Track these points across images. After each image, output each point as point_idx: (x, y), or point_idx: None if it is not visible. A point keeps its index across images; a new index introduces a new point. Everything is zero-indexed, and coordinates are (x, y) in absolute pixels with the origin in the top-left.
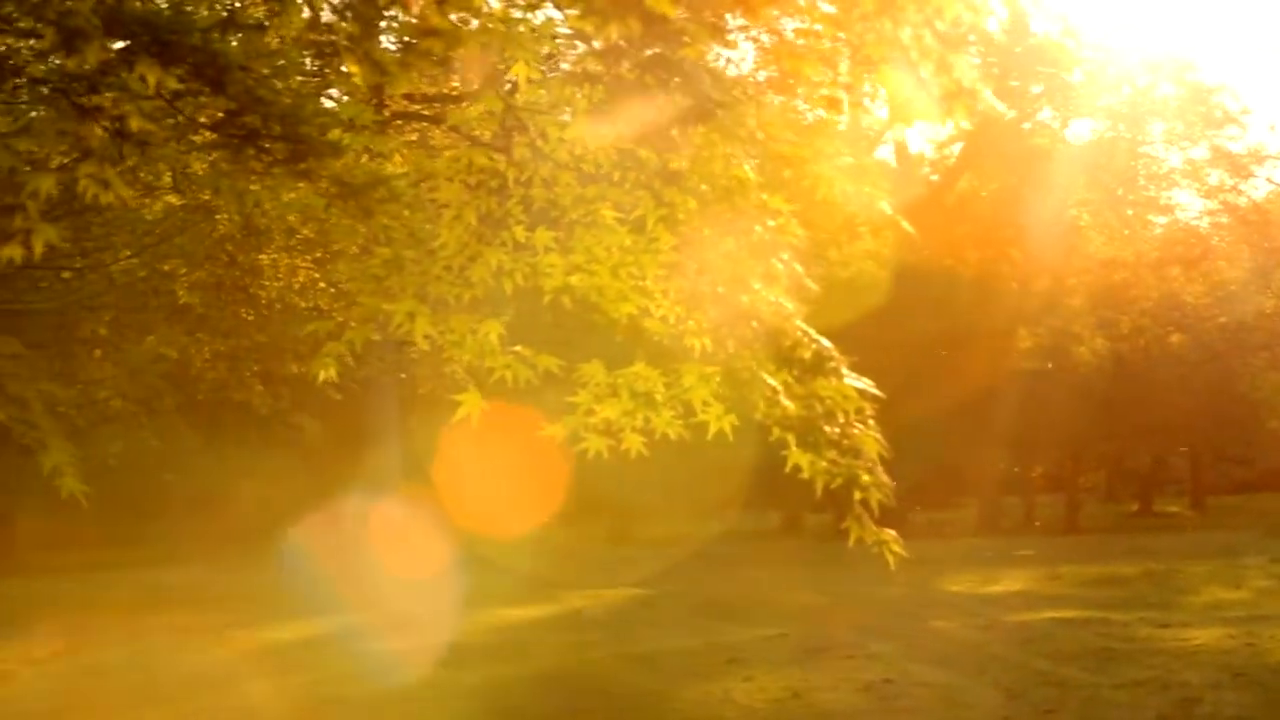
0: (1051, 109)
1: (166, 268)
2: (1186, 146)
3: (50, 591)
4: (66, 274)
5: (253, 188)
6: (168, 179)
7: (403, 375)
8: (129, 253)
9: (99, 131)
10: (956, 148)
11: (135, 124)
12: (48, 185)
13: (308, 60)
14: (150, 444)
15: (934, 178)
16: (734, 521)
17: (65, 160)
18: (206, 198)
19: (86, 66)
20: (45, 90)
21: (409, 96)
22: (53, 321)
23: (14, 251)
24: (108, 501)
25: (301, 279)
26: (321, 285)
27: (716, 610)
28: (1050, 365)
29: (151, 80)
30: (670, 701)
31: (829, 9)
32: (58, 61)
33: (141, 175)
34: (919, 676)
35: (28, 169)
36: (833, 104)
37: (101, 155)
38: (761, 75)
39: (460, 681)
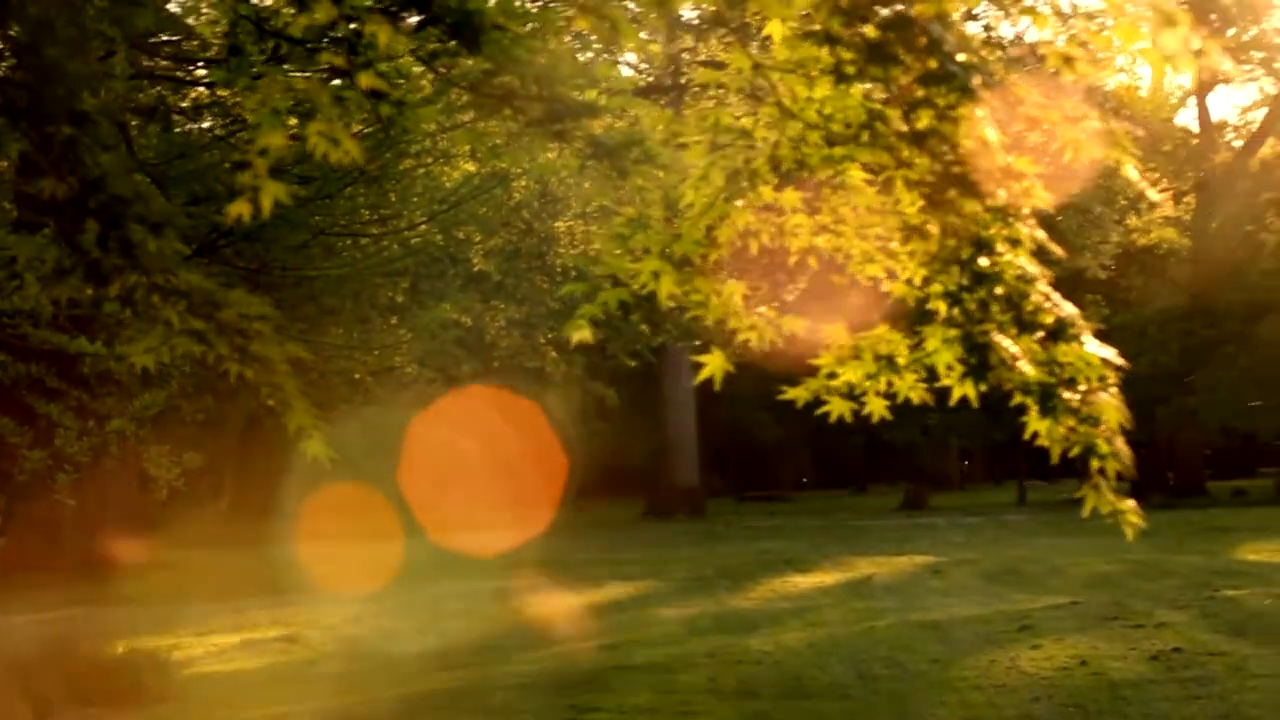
0: None
1: (462, 235)
2: None
3: (347, 557)
4: (364, 240)
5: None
6: (465, 147)
7: (697, 343)
8: (425, 219)
9: (322, 89)
10: (1259, 114)
11: (365, 81)
12: (278, 142)
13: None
14: (449, 411)
15: (1237, 144)
16: (1028, 490)
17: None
18: (504, 165)
19: (318, 21)
20: (302, 50)
21: (706, 63)
22: (350, 288)
23: (243, 208)
24: (405, 468)
25: (597, 245)
26: (617, 251)
27: (1009, 578)
28: None
29: (382, 39)
30: (956, 669)
31: None
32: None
33: (440, 144)
34: (1210, 646)
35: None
36: (1068, 61)
37: (329, 114)
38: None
39: (746, 648)
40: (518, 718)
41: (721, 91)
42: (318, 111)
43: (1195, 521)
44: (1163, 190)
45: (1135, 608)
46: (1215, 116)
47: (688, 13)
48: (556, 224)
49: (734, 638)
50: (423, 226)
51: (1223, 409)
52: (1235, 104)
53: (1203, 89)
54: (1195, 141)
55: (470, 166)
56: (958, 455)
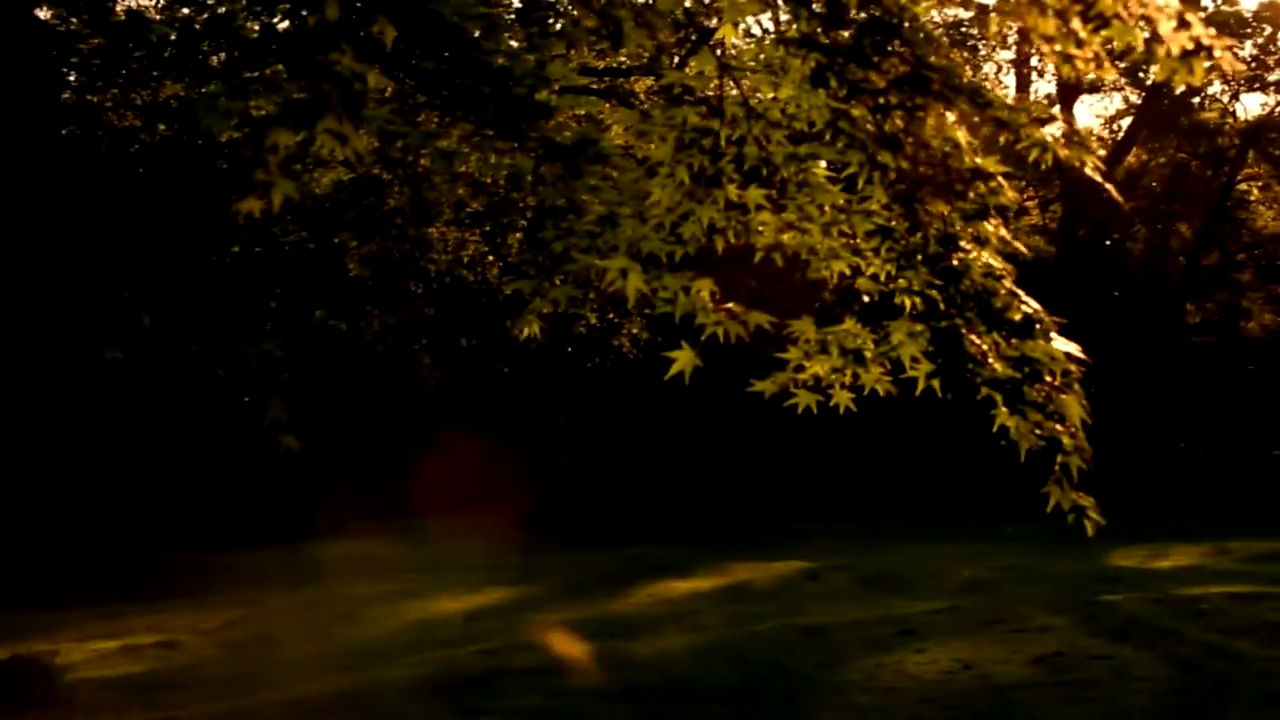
0: (1221, 82)
1: (336, 241)
2: None
3: (221, 563)
4: (235, 248)
5: (464, 150)
6: (339, 152)
7: (569, 349)
8: (298, 226)
9: (329, 89)
10: (1125, 122)
11: (373, 80)
12: (286, 139)
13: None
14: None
15: (1102, 153)
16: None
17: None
18: (376, 171)
19: (330, 20)
20: (261, 53)
21: (580, 70)
22: (223, 294)
23: (254, 205)
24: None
25: (470, 251)
26: (490, 258)
27: (885, 583)
28: (1218, 340)
29: (390, 36)
30: (842, 673)
31: None
32: (275, 22)
33: (314, 149)
34: (1091, 650)
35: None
36: (1067, 60)
37: (339, 111)
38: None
39: (631, 652)
40: None
41: (594, 100)
42: (327, 110)
43: (1064, 528)
44: (1029, 198)
45: (1015, 612)
46: (1080, 125)
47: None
48: (430, 230)
49: (617, 642)
50: (297, 234)
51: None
52: (1099, 113)
53: (1067, 97)
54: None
55: (343, 173)
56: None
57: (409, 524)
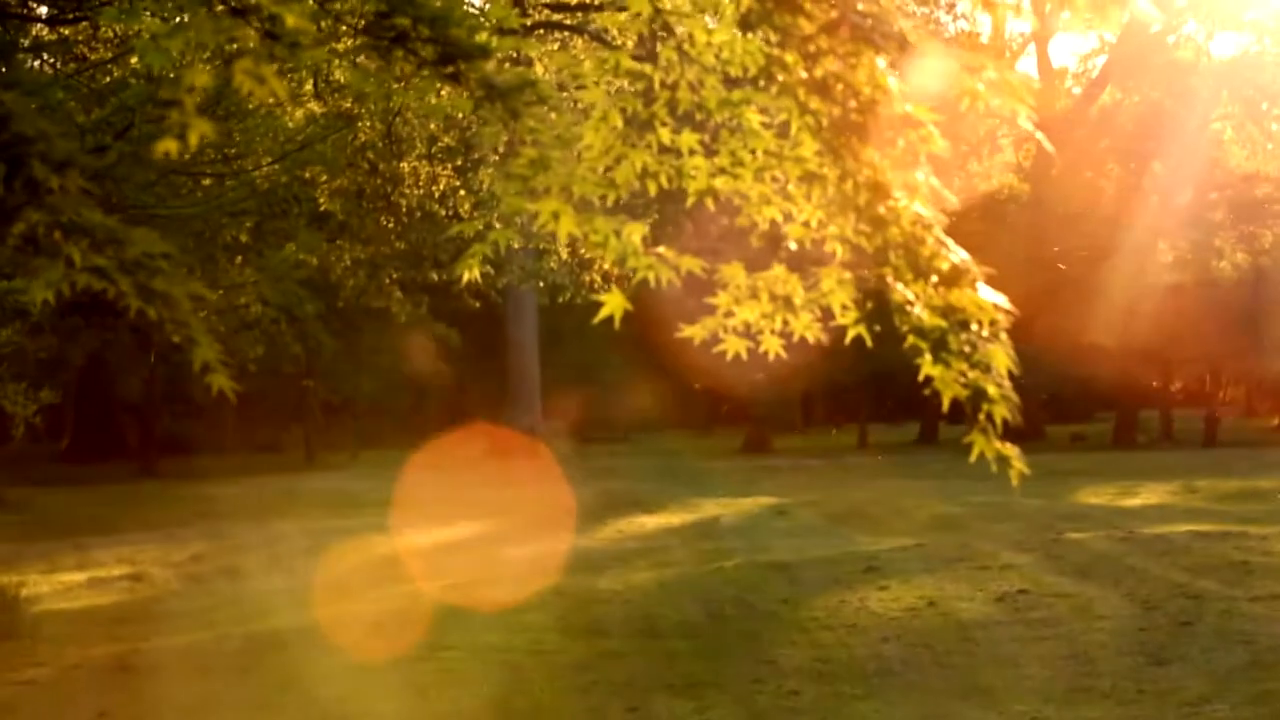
0: (1196, 22)
1: (308, 175)
2: None
3: (189, 495)
4: (207, 180)
5: (396, 87)
6: (309, 87)
7: (541, 283)
8: (270, 159)
9: (252, 30)
10: (1100, 61)
11: (291, 21)
12: (203, 80)
13: None
14: (290, 350)
15: (1076, 91)
16: (870, 433)
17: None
18: (348, 105)
19: None
20: None
21: (551, 5)
22: (195, 227)
23: (170, 145)
24: (247, 407)
25: (442, 186)
26: (462, 193)
27: (853, 520)
28: (1190, 279)
29: None
30: (806, 609)
31: None
32: None
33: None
34: (1054, 587)
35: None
36: (988, 4)
37: (257, 53)
38: None
39: (595, 587)
40: (369, 655)
41: (567, 34)
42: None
43: (1034, 465)
44: (1003, 136)
45: (980, 549)
46: (1056, 64)
47: None
48: (402, 164)
49: (582, 577)
50: (268, 167)
51: (1061, 354)
52: (1075, 51)
53: (1043, 36)
54: (1036, 88)
55: (315, 106)
56: (800, 397)
57: (380, 457)
